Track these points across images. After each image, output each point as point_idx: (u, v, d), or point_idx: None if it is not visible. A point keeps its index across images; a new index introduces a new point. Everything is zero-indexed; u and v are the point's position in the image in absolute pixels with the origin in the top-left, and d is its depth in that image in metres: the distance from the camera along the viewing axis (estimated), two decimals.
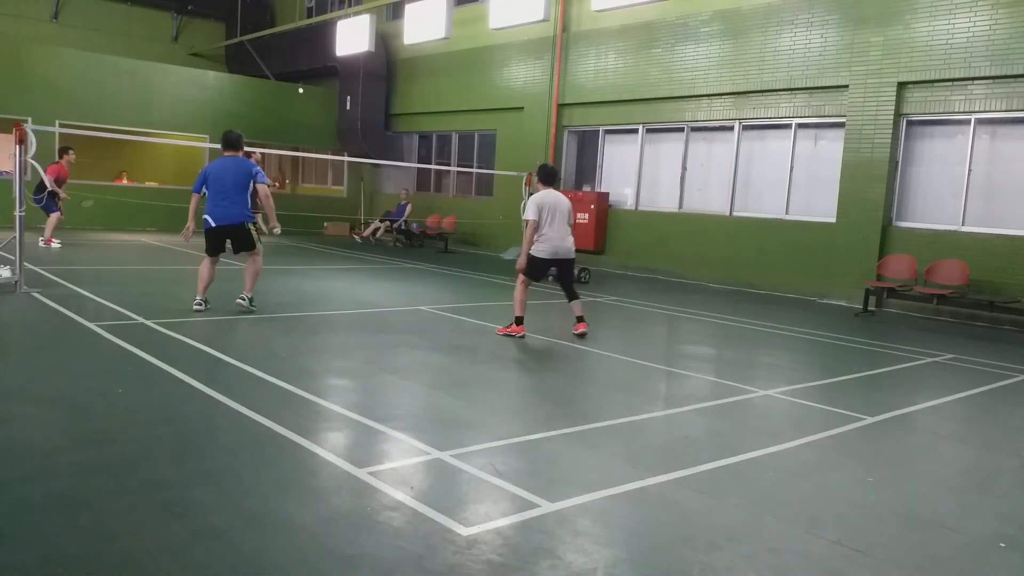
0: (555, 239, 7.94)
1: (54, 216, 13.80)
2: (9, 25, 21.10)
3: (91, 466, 3.74)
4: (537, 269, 8.09)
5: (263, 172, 8.21)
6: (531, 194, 8.35)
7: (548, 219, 7.95)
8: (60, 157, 13.84)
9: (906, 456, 4.84)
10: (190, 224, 8.23)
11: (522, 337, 7.85)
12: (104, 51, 20.20)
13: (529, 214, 7.90)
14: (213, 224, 8.05)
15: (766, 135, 13.69)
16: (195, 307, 8.05)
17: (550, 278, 8.97)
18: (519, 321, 7.92)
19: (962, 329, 10.30)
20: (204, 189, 8.09)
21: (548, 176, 8.24)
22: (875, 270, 11.65)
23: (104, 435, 4.19)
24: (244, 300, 8.20)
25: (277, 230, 8.46)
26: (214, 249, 8.18)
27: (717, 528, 3.43)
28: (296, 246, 16.52)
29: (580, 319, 8.08)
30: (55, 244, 13.74)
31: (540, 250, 7.96)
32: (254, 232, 8.24)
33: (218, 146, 8.48)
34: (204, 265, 8.20)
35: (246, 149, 8.62)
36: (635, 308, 10.14)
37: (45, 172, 13.05)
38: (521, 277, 8.00)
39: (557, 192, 8.16)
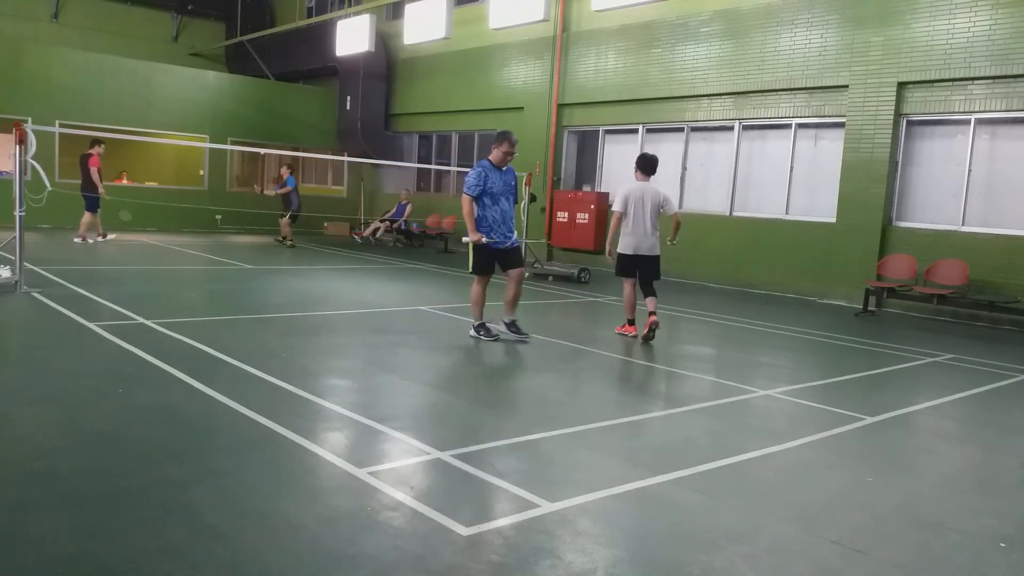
0: (638, 234, 7.87)
1: (92, 214, 14.40)
2: (9, 25, 21.09)
3: (91, 466, 3.74)
4: (625, 266, 8.04)
5: (467, 178, 7.40)
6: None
7: (634, 212, 7.83)
8: (92, 148, 14.28)
9: (906, 456, 4.84)
10: None
11: (634, 337, 7.93)
12: (104, 51, 20.19)
13: (616, 205, 7.91)
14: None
15: (766, 135, 13.69)
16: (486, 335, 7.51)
17: (546, 276, 8.98)
18: (631, 323, 8.05)
19: (962, 329, 10.29)
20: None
21: (647, 166, 7.99)
22: (875, 270, 11.65)
23: (104, 435, 4.19)
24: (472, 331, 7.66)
25: (464, 239, 7.49)
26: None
27: (717, 528, 3.43)
28: (296, 246, 16.52)
29: (652, 312, 7.87)
30: (90, 241, 14.47)
31: (624, 245, 7.94)
32: (468, 250, 7.51)
33: (217, 146, 8.42)
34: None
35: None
36: (636, 307, 10.14)
37: (89, 164, 14.02)
38: (625, 279, 8.06)
39: (651, 185, 7.98)
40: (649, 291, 8.02)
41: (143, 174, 20.85)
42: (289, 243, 16.49)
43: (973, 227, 11.17)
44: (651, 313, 7.85)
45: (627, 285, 8.12)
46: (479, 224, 7.31)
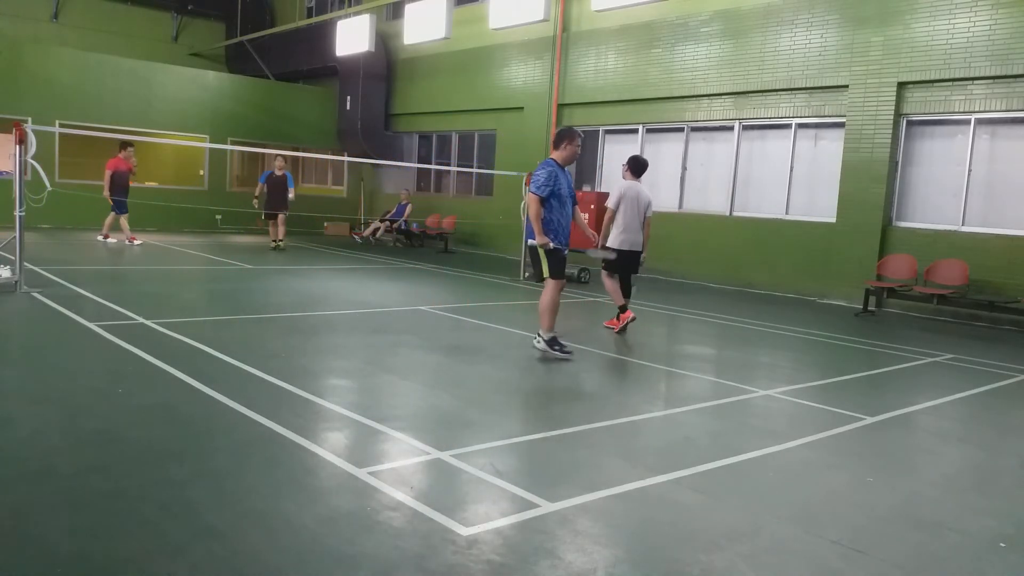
0: (632, 231, 8.31)
1: (122, 216, 14.57)
2: (9, 25, 21.09)
3: (91, 466, 3.74)
4: (620, 262, 8.36)
5: (536, 177, 6.77)
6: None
7: (628, 211, 8.25)
8: (120, 151, 14.49)
9: (906, 456, 4.84)
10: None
11: (633, 319, 8.23)
12: (104, 51, 20.20)
13: (610, 203, 8.29)
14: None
15: (766, 135, 13.69)
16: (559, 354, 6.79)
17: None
18: (623, 309, 8.30)
19: (962, 329, 10.29)
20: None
21: (639, 168, 8.45)
22: (875, 270, 11.65)
23: (104, 435, 4.19)
24: (537, 340, 6.91)
25: (530, 242, 6.87)
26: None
27: (717, 528, 3.43)
28: (296, 246, 16.52)
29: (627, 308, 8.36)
30: (111, 240, 14.66)
31: (621, 241, 8.30)
32: (540, 254, 6.80)
33: (217, 146, 8.32)
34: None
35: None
36: (634, 308, 10.13)
37: (106, 167, 14.24)
38: (605, 272, 8.40)
39: (641, 185, 8.44)
40: (629, 287, 8.55)
41: (143, 174, 20.77)
42: (280, 243, 15.47)
43: (973, 227, 11.17)
44: (627, 309, 8.35)
45: (611, 279, 8.41)
46: (545, 227, 6.72)
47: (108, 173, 14.21)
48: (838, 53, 12.21)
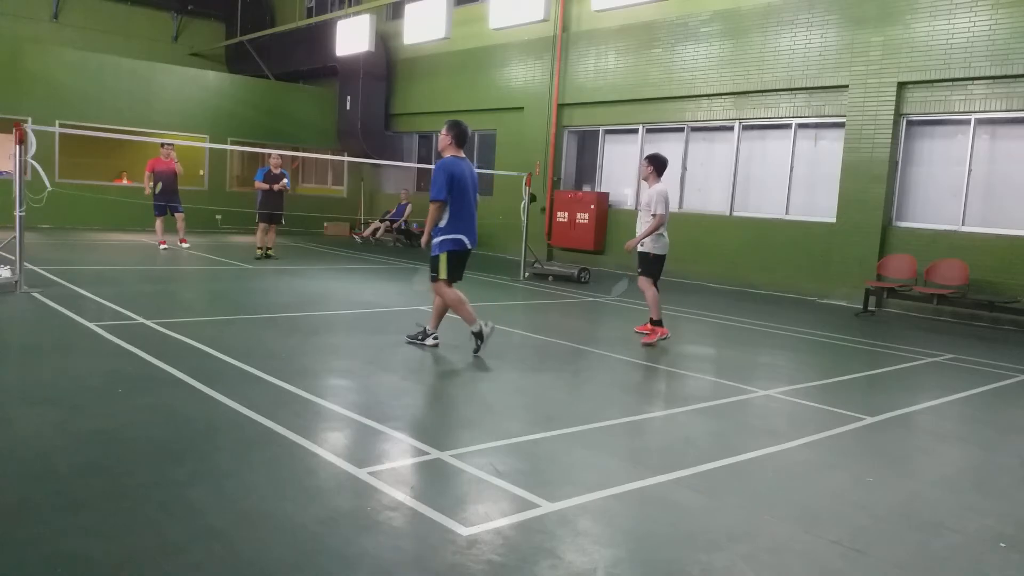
0: (667, 233, 8.02)
1: (178, 216, 14.26)
2: (9, 25, 21.08)
3: (91, 466, 3.74)
4: (660, 267, 8.07)
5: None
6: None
7: (667, 214, 7.94)
8: (160, 150, 14.24)
9: (906, 456, 4.84)
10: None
11: (666, 338, 7.84)
12: (104, 51, 20.19)
13: (661, 209, 7.77)
14: (470, 246, 6.73)
15: (766, 135, 13.69)
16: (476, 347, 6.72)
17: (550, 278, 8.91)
18: (658, 323, 7.88)
19: (962, 329, 10.29)
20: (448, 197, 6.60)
21: (664, 167, 8.05)
22: (875, 270, 11.65)
23: (104, 435, 4.19)
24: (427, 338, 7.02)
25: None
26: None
27: (717, 528, 3.43)
28: (296, 246, 16.53)
29: (657, 323, 8.00)
30: (185, 245, 14.37)
31: (662, 247, 7.93)
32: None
33: (217, 146, 8.22)
34: (456, 294, 6.74)
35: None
36: (635, 308, 10.13)
37: (146, 169, 13.94)
38: (646, 280, 7.94)
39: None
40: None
41: (143, 174, 20.81)
42: (270, 251, 13.97)
43: (973, 227, 11.17)
44: (656, 323, 7.97)
45: (654, 287, 8.00)
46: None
47: (147, 174, 13.82)
48: (838, 53, 12.21)
